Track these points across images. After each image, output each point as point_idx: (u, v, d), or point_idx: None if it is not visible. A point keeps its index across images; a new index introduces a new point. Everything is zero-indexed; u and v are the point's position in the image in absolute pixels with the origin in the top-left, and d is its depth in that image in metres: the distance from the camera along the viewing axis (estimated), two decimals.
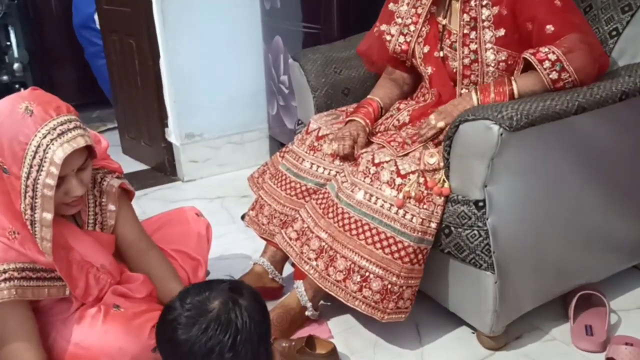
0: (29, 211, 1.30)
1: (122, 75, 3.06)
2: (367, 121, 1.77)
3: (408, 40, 1.79)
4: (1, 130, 1.27)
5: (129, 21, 2.81)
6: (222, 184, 2.86)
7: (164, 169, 3.00)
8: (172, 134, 2.88)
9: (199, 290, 1.10)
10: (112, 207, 1.53)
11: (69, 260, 1.42)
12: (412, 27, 1.78)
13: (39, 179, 1.27)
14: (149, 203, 2.63)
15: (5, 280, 1.29)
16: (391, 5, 1.84)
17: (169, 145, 2.93)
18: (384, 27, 1.85)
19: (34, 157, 1.26)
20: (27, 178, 1.27)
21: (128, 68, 2.96)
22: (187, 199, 2.72)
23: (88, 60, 3.81)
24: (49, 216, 1.29)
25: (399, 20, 1.81)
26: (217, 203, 2.67)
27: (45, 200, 1.28)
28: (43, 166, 1.26)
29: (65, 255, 1.41)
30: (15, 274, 1.30)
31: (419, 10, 1.76)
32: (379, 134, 1.77)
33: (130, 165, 3.13)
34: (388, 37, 1.84)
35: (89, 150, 1.37)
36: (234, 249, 2.23)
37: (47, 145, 1.26)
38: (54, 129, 1.27)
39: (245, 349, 1.05)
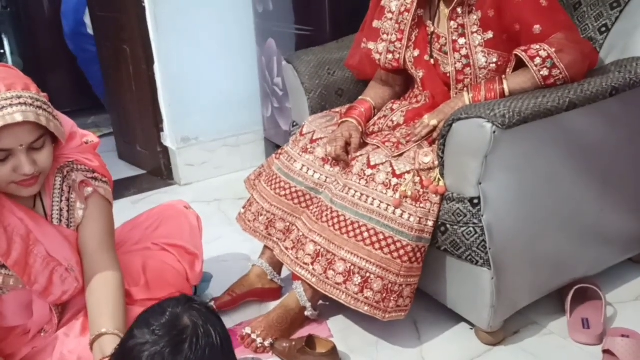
0: None
1: (116, 81, 3.07)
2: (360, 121, 1.78)
3: (397, 57, 1.81)
4: None
5: (122, 27, 2.82)
6: (218, 187, 2.87)
7: (160, 173, 3.00)
8: (168, 138, 2.89)
9: (158, 315, 1.07)
10: (79, 204, 1.48)
11: (29, 252, 1.40)
12: (397, 44, 1.79)
13: None
14: (146, 208, 2.60)
15: None
16: (375, 23, 1.85)
17: (165, 149, 2.94)
18: (371, 45, 1.87)
19: None
20: None
21: (122, 74, 2.96)
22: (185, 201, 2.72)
23: (82, 67, 3.81)
24: None
25: (385, 37, 1.82)
26: (214, 206, 2.68)
27: None
28: None
29: (25, 247, 1.40)
30: None
31: (402, 26, 1.77)
32: (373, 135, 1.78)
33: (127, 170, 3.14)
34: (377, 56, 1.85)
35: (50, 133, 1.35)
36: (232, 251, 2.24)
37: None
38: None
39: (227, 343, 1.08)
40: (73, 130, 1.50)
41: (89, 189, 1.49)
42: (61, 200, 1.47)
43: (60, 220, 1.47)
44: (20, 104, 1.27)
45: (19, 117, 1.26)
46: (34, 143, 1.32)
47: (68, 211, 1.48)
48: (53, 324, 1.50)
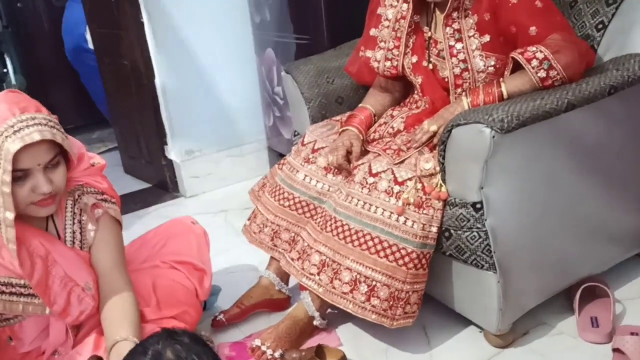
0: None
1: (119, 96, 3.09)
2: (360, 129, 1.79)
3: (395, 64, 1.81)
4: None
5: (122, 43, 2.84)
6: (224, 198, 2.88)
7: (166, 186, 3.02)
8: (172, 151, 2.90)
9: (140, 355, 1.09)
10: (91, 226, 1.51)
11: (48, 273, 1.42)
12: (395, 52, 1.80)
13: None
14: (152, 221, 2.65)
15: None
16: (373, 31, 1.85)
17: (170, 162, 2.95)
18: (369, 53, 1.87)
19: None
20: None
21: (124, 89, 2.98)
22: (191, 214, 2.73)
23: (84, 83, 3.83)
24: (10, 215, 1.30)
25: (382, 44, 1.82)
26: (220, 217, 2.69)
27: (5, 198, 1.29)
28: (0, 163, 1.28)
29: (45, 268, 1.42)
30: None
31: (399, 34, 1.78)
32: (374, 142, 1.79)
33: (133, 184, 3.15)
34: (375, 64, 1.86)
35: (62, 150, 1.38)
36: (240, 262, 2.25)
37: (2, 142, 1.27)
38: (12, 126, 1.29)
39: None
40: (81, 152, 1.53)
41: (100, 211, 1.53)
42: (73, 223, 1.50)
43: (74, 243, 1.50)
44: (35, 124, 1.31)
45: (36, 137, 1.30)
46: (50, 162, 1.36)
47: (81, 233, 1.51)
48: (68, 346, 1.52)
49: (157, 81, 2.76)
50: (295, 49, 2.53)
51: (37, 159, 1.33)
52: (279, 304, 1.91)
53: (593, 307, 1.75)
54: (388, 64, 1.82)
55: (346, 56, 2.09)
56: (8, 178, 1.28)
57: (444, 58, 1.70)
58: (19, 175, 1.32)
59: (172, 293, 1.64)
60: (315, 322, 1.73)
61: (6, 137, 1.28)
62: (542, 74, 1.54)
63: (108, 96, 3.21)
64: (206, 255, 1.81)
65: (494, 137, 1.42)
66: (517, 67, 1.60)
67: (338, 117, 1.98)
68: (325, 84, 2.07)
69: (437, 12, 1.70)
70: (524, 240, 1.58)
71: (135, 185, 3.15)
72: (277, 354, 1.67)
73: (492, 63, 1.65)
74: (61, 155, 1.40)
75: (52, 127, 1.34)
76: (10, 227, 1.31)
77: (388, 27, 1.80)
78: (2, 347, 1.49)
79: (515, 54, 1.57)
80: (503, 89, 1.58)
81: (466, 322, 1.74)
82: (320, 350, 1.65)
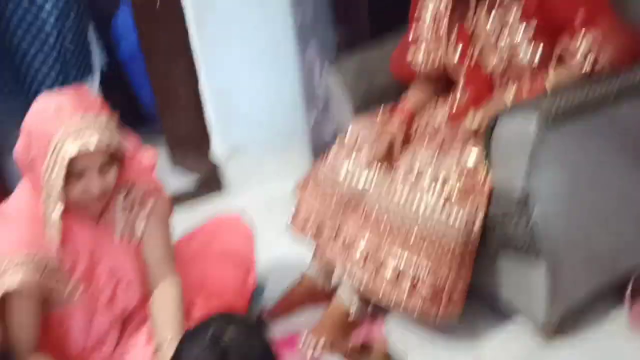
0: (43, 207, 1.37)
1: (165, 96, 3.15)
2: (403, 124, 1.79)
3: (436, 62, 1.81)
4: (34, 126, 1.35)
5: (168, 43, 2.90)
6: (268, 195, 2.90)
7: (211, 184, 3.07)
8: (217, 149, 2.96)
9: (199, 335, 1.13)
10: (141, 219, 1.55)
11: (94, 267, 1.47)
12: (436, 50, 1.79)
13: (51, 176, 1.33)
14: (198, 218, 2.65)
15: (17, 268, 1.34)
16: (413, 31, 1.86)
17: (215, 159, 3.01)
18: (410, 54, 1.87)
19: (52, 155, 1.32)
20: (45, 173, 1.34)
21: (170, 88, 3.05)
22: (235, 211, 2.76)
23: (136, 86, 3.86)
24: (56, 215, 1.35)
25: (423, 45, 1.83)
26: (264, 214, 2.70)
27: (54, 198, 1.34)
28: (56, 164, 1.32)
29: (90, 262, 1.46)
30: (31, 266, 1.37)
31: (440, 32, 1.77)
32: (416, 137, 1.79)
33: (179, 182, 3.21)
34: (416, 63, 1.86)
35: (117, 154, 1.42)
36: (284, 259, 2.25)
37: (62, 144, 1.31)
38: (73, 127, 1.32)
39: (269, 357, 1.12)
40: (136, 147, 1.57)
41: (150, 204, 1.56)
42: (124, 216, 1.54)
43: (124, 235, 1.54)
44: (96, 127, 1.35)
45: (95, 141, 1.33)
46: (105, 164, 1.40)
47: (131, 226, 1.55)
48: (113, 338, 1.57)
49: (203, 80, 2.82)
50: (338, 46, 2.54)
51: (94, 161, 1.37)
52: (324, 299, 1.92)
53: None
54: (429, 62, 1.82)
55: (389, 53, 2.07)
56: (60, 180, 1.33)
57: (487, 53, 1.69)
58: (73, 175, 1.36)
59: (218, 288, 1.68)
60: (352, 311, 1.72)
61: (66, 139, 1.32)
62: (588, 66, 1.51)
63: (155, 95, 3.28)
64: (252, 251, 1.85)
65: (540, 128, 1.40)
66: (561, 60, 1.58)
67: (380, 113, 1.98)
68: (368, 80, 2.06)
69: (479, 9, 1.69)
70: (572, 231, 1.56)
71: (181, 183, 3.21)
72: (321, 347, 1.68)
73: (537, 55, 1.63)
74: (116, 155, 1.44)
75: (111, 131, 1.38)
76: (55, 227, 1.36)
77: (428, 25, 1.80)
78: (59, 340, 1.54)
79: (559, 49, 1.55)
80: (548, 82, 1.56)
81: (513, 315, 1.73)
82: (365, 344, 1.66)
